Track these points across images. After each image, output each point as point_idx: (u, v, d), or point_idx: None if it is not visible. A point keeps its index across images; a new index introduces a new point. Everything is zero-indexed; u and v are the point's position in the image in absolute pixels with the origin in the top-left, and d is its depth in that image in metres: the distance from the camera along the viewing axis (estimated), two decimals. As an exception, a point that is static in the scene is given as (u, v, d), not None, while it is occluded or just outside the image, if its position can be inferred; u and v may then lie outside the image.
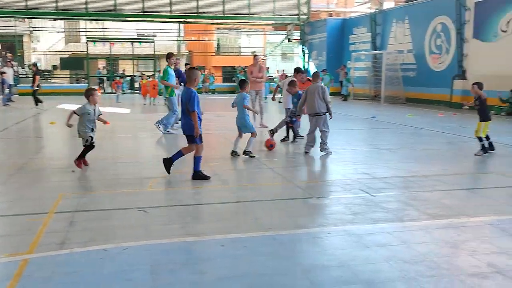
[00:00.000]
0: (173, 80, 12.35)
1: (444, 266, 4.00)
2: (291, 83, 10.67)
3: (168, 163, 7.23)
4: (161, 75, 13.84)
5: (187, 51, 39.16)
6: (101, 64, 40.23)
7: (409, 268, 3.98)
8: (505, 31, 18.68)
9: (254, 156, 8.86)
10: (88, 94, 7.74)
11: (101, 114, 7.98)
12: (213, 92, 33.12)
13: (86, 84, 29.41)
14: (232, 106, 9.30)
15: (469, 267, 4.00)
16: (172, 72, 12.38)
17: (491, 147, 9.42)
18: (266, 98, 25.57)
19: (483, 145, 9.32)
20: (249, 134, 8.93)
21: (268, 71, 33.16)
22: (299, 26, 33.69)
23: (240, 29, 38.31)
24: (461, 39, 20.73)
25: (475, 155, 9.25)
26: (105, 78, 34.76)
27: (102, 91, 31.84)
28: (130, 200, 6.10)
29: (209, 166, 7.78)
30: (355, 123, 15.48)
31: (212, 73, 35.67)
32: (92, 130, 7.80)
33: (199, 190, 6.56)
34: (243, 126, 9.08)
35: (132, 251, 4.30)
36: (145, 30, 37.99)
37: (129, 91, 33.28)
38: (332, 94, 28.00)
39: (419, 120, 16.18)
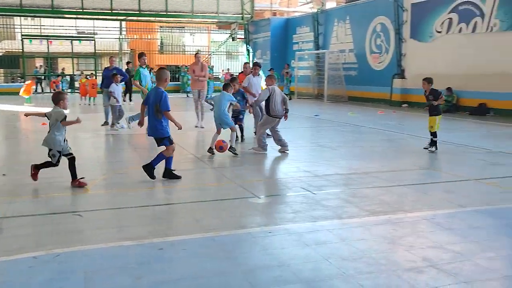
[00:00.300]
0: (147, 80, 12.07)
1: (382, 262, 4.06)
2: (233, 81, 10.57)
3: (148, 169, 6.94)
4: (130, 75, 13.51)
5: (130, 50, 38.33)
6: (39, 62, 38.68)
7: (348, 265, 4.00)
8: (440, 32, 19.41)
9: (237, 154, 9.05)
10: (59, 98, 6.60)
11: None
12: (157, 91, 32.54)
13: (22, 83, 28.12)
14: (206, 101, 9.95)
15: (405, 262, 4.07)
16: (145, 72, 12.12)
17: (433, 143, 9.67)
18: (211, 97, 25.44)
19: (436, 141, 9.56)
20: (229, 131, 9.26)
21: (212, 70, 32.94)
22: (243, 25, 33.71)
23: (183, 27, 37.90)
24: (400, 39, 21.38)
25: (428, 151, 9.42)
26: (43, 77, 33.42)
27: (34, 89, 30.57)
28: (65, 204, 5.85)
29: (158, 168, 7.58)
30: (298, 122, 15.60)
31: (155, 71, 35.02)
32: (65, 141, 6.69)
33: (138, 192, 6.38)
34: (224, 123, 9.20)
35: (64, 258, 4.10)
36: (85, 28, 36.84)
37: (69, 90, 32.17)
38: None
39: (360, 118, 16.53)
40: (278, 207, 5.79)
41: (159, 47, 39.83)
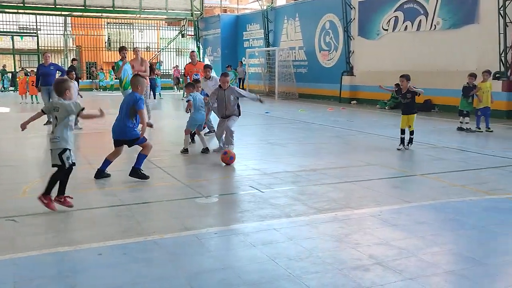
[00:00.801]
0: (127, 74, 12.01)
1: (328, 261, 3.99)
2: (197, 82, 10.26)
3: (135, 174, 6.84)
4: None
5: (75, 46, 37.14)
6: (-22, 59, 36.89)
7: (294, 265, 3.91)
8: (386, 30, 19.80)
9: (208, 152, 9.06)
10: (64, 87, 5.37)
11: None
12: (104, 88, 31.72)
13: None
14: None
15: (352, 260, 4.03)
16: (126, 67, 12.20)
17: (403, 141, 9.54)
18: (160, 95, 24.98)
19: (411, 138, 9.52)
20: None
21: (160, 66, 32.38)
22: (193, 21, 33.33)
23: (132, 24, 37.07)
24: (348, 37, 21.67)
25: (404, 149, 9.42)
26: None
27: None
28: (-2, 208, 5.49)
29: (92, 168, 7.28)
30: (248, 119, 15.50)
31: (102, 69, 34.11)
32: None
33: (78, 195, 6.07)
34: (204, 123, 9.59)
35: (-8, 268, 3.82)
36: (28, 23, 35.38)
37: (12, 88, 30.85)
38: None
39: (310, 115, 16.63)
40: (226, 206, 5.66)
41: (107, 43, 38.78)
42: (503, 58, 15.06)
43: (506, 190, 6.33)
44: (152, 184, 6.80)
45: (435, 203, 5.75)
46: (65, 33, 33.61)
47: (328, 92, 23.01)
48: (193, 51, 13.91)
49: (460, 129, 12.37)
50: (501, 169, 7.68)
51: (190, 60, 13.40)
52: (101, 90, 31.20)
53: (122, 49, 12.70)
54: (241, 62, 27.96)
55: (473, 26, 16.12)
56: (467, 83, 12.31)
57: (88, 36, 35.18)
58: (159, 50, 36.52)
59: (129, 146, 6.89)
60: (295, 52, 25.44)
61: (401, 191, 6.32)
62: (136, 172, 6.83)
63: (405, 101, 9.65)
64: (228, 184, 6.72)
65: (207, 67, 11.65)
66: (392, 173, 7.56)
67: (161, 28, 38.91)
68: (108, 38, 38.79)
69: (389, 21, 19.58)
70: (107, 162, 6.91)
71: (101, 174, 6.88)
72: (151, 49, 36.35)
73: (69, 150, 5.36)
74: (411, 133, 9.53)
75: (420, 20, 18.12)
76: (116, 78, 20.21)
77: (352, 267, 3.87)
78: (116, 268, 3.83)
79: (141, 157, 6.89)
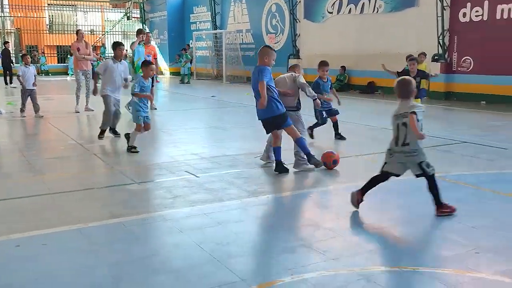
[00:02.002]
0: (140, 55, 12.34)
1: (255, 244, 4.01)
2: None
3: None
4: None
5: (15, 29, 35.55)
6: None
7: (221, 249, 3.89)
8: (331, 13, 19.95)
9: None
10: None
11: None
12: (47, 73, 30.60)
13: None
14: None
15: (279, 242, 4.04)
16: (140, 49, 12.57)
17: None
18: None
19: None
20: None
21: (104, 51, 31.52)
22: (138, 3, 32.52)
23: (75, 5, 35.81)
24: (294, 20, 21.71)
25: None
26: None
27: None
28: None
29: (23, 156, 7.00)
30: (194, 103, 15.37)
31: (43, 52, 32.84)
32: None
33: (7, 184, 5.83)
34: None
35: None
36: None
37: None
38: (175, 74, 27.65)
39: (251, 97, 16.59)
40: (158, 192, 5.56)
41: (48, 26, 37.31)
42: (441, 41, 15.49)
43: (438, 169, 6.50)
44: (84, 171, 6.60)
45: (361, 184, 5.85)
46: (2, 15, 32.06)
47: (276, 75, 22.91)
48: (148, 32, 13.99)
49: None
50: (435, 149, 7.91)
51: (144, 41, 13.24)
52: (43, 74, 30.05)
53: (140, 32, 12.99)
54: (188, 45, 27.56)
55: (413, 9, 16.47)
56: (407, 65, 12.57)
57: (28, 18, 33.72)
58: (104, 33, 35.47)
59: None
60: (242, 35, 25.29)
61: (335, 172, 6.39)
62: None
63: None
64: (164, 170, 6.61)
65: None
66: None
67: (105, 10, 37.77)
68: (50, 21, 37.33)
69: (333, 4, 19.72)
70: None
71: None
72: (95, 32, 35.27)
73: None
74: None
75: (364, 3, 18.34)
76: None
77: (278, 249, 3.88)
78: (35, 260, 3.69)
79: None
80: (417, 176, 4.66)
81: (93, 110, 12.14)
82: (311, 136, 8.60)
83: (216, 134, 9.57)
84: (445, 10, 15.27)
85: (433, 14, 15.42)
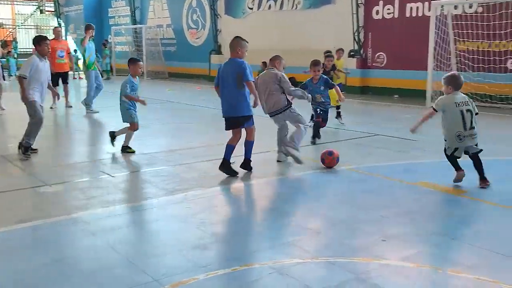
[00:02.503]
0: (92, 52, 11.93)
1: (169, 243, 3.96)
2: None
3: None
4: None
5: None
6: None
7: (134, 250, 3.83)
8: (251, 8, 20.11)
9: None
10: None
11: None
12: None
13: None
14: None
15: (194, 240, 4.02)
16: (91, 45, 12.00)
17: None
18: (15, 74, 23.02)
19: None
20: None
21: (17, 45, 29.91)
22: (52, -4, 31.09)
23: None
24: (215, 15, 21.66)
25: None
26: None
27: None
28: None
29: None
30: (111, 101, 14.89)
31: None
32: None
33: None
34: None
35: None
36: None
37: None
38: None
39: (178, 94, 16.45)
40: (71, 194, 5.36)
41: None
42: (356, 37, 16.07)
43: (350, 162, 6.76)
44: (-9, 174, 6.23)
45: (282, 178, 5.97)
46: None
47: (198, 71, 22.91)
48: (57, 27, 13.28)
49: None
50: (349, 142, 8.21)
51: (54, 36, 12.57)
52: None
53: (89, 27, 12.31)
54: (107, 40, 26.70)
55: (330, 6, 16.95)
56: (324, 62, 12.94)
57: None
58: (14, 27, 33.56)
59: None
60: (163, 30, 24.89)
61: (254, 168, 6.44)
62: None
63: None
64: (78, 170, 6.38)
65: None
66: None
67: (16, 3, 35.72)
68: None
69: (253, 0, 19.87)
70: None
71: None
72: (5, 26, 33.28)
73: None
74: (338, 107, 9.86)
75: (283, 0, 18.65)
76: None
77: (192, 247, 3.87)
78: None
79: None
80: (473, 154, 5.40)
81: (4, 109, 11.52)
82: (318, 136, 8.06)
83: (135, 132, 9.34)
84: (359, 7, 15.85)
85: (348, 11, 15.96)
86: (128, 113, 7.35)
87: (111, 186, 5.60)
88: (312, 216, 4.70)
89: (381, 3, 15.48)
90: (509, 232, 4.15)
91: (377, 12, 15.65)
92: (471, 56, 12.83)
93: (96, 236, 4.10)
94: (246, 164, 6.16)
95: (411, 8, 14.68)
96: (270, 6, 19.23)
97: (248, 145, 6.11)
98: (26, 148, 6.97)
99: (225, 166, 5.99)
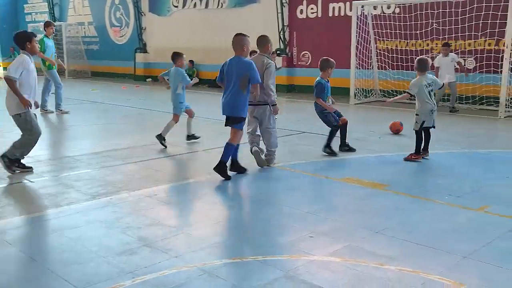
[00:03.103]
0: (52, 52, 11.76)
1: (93, 249, 3.80)
2: None
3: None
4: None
5: None
6: None
7: (54, 259, 3.64)
8: (176, 6, 19.83)
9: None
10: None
11: None
12: None
13: None
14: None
15: (119, 245, 3.89)
16: (50, 43, 11.66)
17: None
18: None
19: None
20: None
21: None
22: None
23: None
24: (139, 13, 21.17)
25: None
26: None
27: None
28: None
29: None
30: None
31: None
32: None
33: None
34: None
35: None
36: None
37: None
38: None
39: (102, 94, 15.93)
40: (-16, 202, 5.02)
41: None
42: (282, 36, 16.29)
43: (277, 159, 6.82)
44: None
45: (211, 178, 5.92)
46: None
47: (123, 69, 22.31)
48: None
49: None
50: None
51: None
52: None
53: (49, 24, 12.13)
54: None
55: (255, 5, 17.06)
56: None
57: None
58: None
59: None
60: (84, 28, 24.00)
61: (181, 169, 6.37)
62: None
63: None
64: (-6, 176, 6.00)
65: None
66: (177, 151, 7.56)
67: None
68: None
69: (179, -2, 19.65)
70: None
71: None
72: None
73: None
74: None
75: (208, -3, 18.55)
76: None
77: (118, 253, 3.74)
78: None
79: None
80: (433, 127, 6.62)
81: None
82: (334, 153, 6.99)
83: (57, 134, 8.95)
84: (284, 7, 16.07)
85: (273, 11, 16.13)
86: (179, 106, 7.79)
87: (31, 192, 5.33)
88: (240, 216, 4.69)
89: (305, 2, 15.78)
90: (427, 223, 4.35)
91: (301, 12, 15.94)
92: (391, 55, 13.39)
93: (13, 246, 3.86)
94: (220, 167, 5.75)
95: (333, 8, 15.07)
96: (195, 4, 19.06)
97: (229, 148, 5.80)
98: (12, 161, 5.97)
99: (235, 166, 5.99)
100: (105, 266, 3.52)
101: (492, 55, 11.22)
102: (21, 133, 6.06)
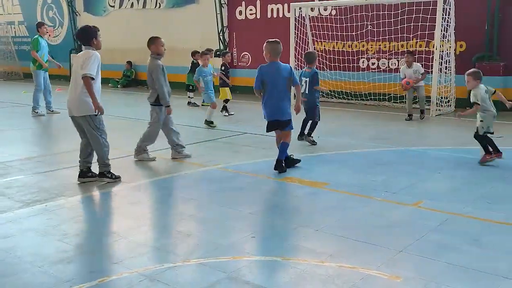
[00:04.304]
0: (44, 52, 11.61)
1: (27, 259, 3.64)
2: None
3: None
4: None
5: None
6: None
7: (-14, 271, 3.45)
8: (113, 6, 19.36)
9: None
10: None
11: None
12: None
13: None
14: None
15: (56, 253, 3.75)
16: (44, 43, 11.58)
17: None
18: None
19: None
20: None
21: None
22: None
23: None
24: (73, 12, 20.52)
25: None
26: None
27: None
28: None
29: None
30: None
31: None
32: None
33: None
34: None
35: None
36: None
37: None
38: None
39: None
40: None
41: None
42: (221, 37, 16.27)
43: (219, 161, 6.81)
44: None
45: (151, 181, 5.83)
46: None
47: (57, 71, 21.23)
48: None
49: (189, 103, 13.04)
50: (218, 141, 8.28)
51: None
52: None
53: (42, 25, 12.01)
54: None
55: (194, 6, 16.94)
56: (195, 59, 13.08)
57: None
58: None
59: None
60: (14, 28, 22.97)
61: (121, 173, 6.20)
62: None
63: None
64: None
65: None
66: (116, 154, 7.35)
67: None
68: None
69: (115, -3, 19.19)
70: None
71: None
72: None
73: None
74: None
75: (146, -3, 18.24)
76: None
77: (54, 262, 3.60)
78: None
79: None
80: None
81: None
82: (314, 142, 7.79)
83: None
84: (223, 8, 16.06)
85: (212, 11, 16.08)
86: (206, 96, 9.82)
87: (-43, 201, 5.02)
88: (182, 218, 4.65)
89: (243, 3, 15.84)
90: (365, 219, 4.48)
91: (240, 13, 15.98)
92: (328, 56, 13.69)
93: None
94: (279, 164, 6.08)
95: (272, 10, 15.21)
96: (132, 4, 18.68)
97: (284, 146, 6.16)
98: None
99: (290, 161, 6.30)
100: (41, 276, 3.38)
101: (423, 56, 11.69)
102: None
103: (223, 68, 11.71)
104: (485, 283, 3.26)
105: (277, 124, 6.14)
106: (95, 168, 5.83)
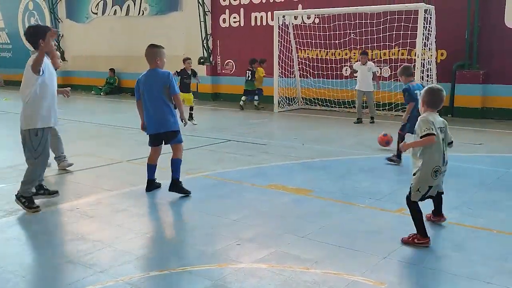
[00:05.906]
0: None
1: (10, 269, 3.59)
2: None
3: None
4: None
5: None
6: None
7: (-33, 282, 3.40)
8: (95, 13, 19.30)
9: None
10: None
11: None
12: None
13: None
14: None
15: (39, 263, 3.73)
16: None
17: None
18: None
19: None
20: None
21: None
22: None
23: None
24: (55, 19, 20.39)
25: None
26: None
27: None
28: None
29: None
30: None
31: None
32: None
33: None
34: None
35: None
36: None
37: None
38: None
39: (16, 104, 15.07)
40: None
41: None
42: (205, 45, 16.29)
43: (203, 168, 6.81)
44: None
45: (136, 189, 5.80)
46: None
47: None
48: None
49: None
50: (202, 149, 8.27)
51: None
52: None
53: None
54: None
55: (178, 13, 16.96)
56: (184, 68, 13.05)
57: None
58: None
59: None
60: (-4, 34, 22.76)
61: (105, 181, 6.18)
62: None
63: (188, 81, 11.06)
64: None
65: None
66: (98, 162, 7.33)
67: None
68: None
69: (97, 4, 19.11)
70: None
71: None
72: None
73: None
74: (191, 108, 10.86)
75: (129, 5, 18.19)
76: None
77: (37, 271, 3.58)
78: None
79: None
80: (440, 194, 4.24)
81: None
82: None
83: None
84: (207, 15, 16.10)
85: (196, 19, 16.11)
86: None
87: None
88: (166, 227, 4.63)
89: (227, 11, 15.90)
90: (349, 226, 4.52)
91: (224, 21, 16.04)
92: (312, 64, 13.79)
93: None
94: (176, 184, 5.49)
95: (255, 17, 15.30)
96: (115, 11, 18.64)
97: (177, 164, 5.49)
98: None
99: (155, 187, 5.74)
100: (25, 286, 3.35)
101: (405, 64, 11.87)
102: None
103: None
104: (468, 287, 3.31)
105: (163, 136, 5.46)
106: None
